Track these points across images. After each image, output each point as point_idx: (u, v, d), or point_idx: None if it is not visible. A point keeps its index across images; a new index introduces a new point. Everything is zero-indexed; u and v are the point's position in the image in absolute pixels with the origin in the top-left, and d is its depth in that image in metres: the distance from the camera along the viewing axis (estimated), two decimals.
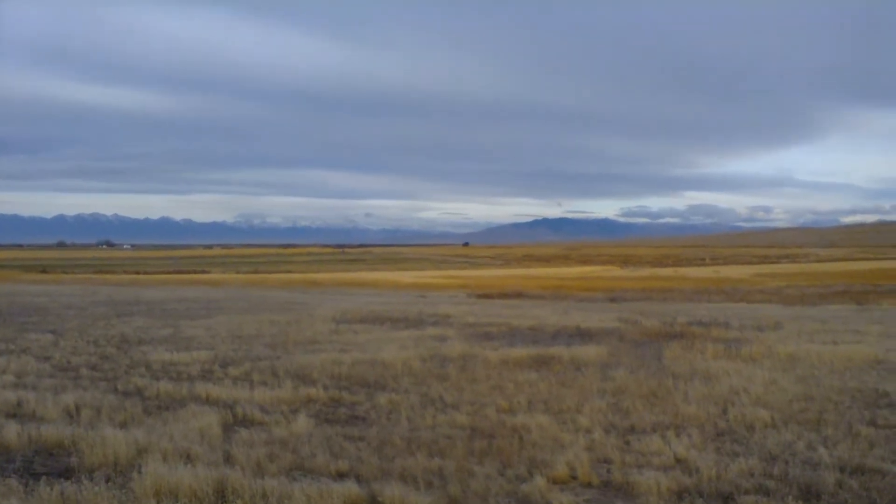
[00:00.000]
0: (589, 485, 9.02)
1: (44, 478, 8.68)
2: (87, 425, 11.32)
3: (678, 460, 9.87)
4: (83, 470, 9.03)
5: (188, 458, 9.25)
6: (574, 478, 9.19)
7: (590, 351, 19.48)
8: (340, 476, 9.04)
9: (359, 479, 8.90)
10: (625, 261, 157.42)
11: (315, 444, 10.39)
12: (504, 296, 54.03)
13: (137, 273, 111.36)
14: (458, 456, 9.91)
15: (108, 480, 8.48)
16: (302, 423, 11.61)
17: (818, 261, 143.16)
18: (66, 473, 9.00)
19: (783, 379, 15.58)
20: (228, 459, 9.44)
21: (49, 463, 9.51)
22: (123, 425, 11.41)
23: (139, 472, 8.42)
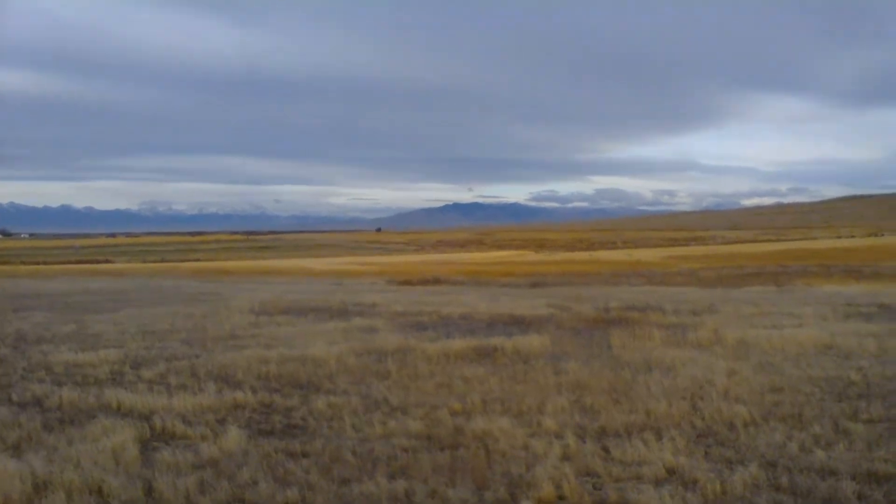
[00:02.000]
0: None
1: None
2: None
3: (670, 471, 8.73)
4: None
5: (100, 496, 7.59)
6: (562, 498, 7.94)
7: (532, 341, 18.33)
8: None
9: None
10: (539, 245, 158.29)
11: (253, 466, 8.82)
12: (424, 282, 52.79)
13: (37, 263, 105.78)
14: (423, 475, 8.53)
15: None
16: (233, 436, 10.00)
17: (725, 243, 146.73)
18: None
19: (743, 368, 14.73)
20: (151, 493, 7.78)
21: None
22: (17, 448, 9.54)
23: None
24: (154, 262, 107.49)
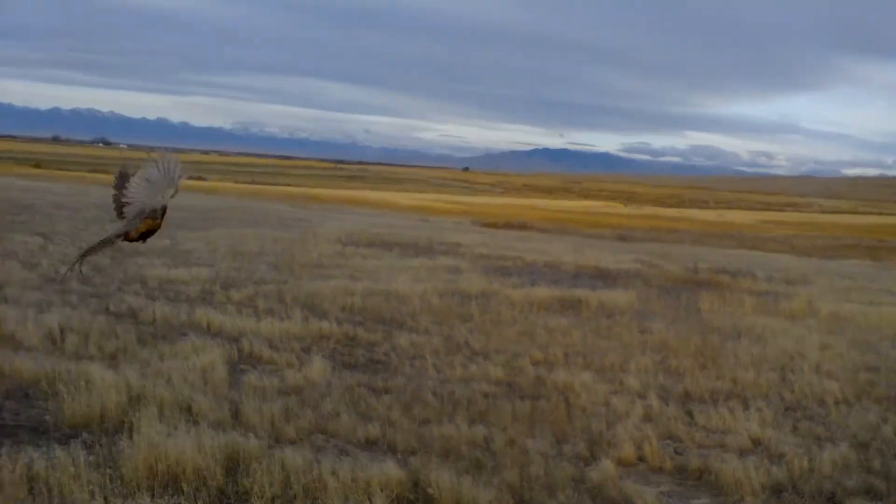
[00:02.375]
0: (661, 470, 7.67)
1: (8, 439, 7.14)
2: (71, 356, 9.78)
3: (755, 442, 8.52)
4: (62, 424, 7.52)
5: (190, 414, 7.76)
6: (642, 460, 7.83)
7: (618, 296, 18.05)
8: (370, 444, 7.65)
9: (393, 450, 7.51)
10: (628, 198, 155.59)
11: (336, 398, 8.92)
12: (509, 226, 52.52)
13: None
14: (502, 423, 8.51)
15: (88, 447, 6.90)
16: (317, 366, 10.13)
17: (822, 211, 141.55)
18: (41, 429, 7.48)
19: (837, 343, 14.19)
20: (238, 416, 7.93)
21: (22, 411, 7.89)
22: (114, 358, 9.83)
23: (130, 438, 6.89)
24: (245, 182, 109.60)
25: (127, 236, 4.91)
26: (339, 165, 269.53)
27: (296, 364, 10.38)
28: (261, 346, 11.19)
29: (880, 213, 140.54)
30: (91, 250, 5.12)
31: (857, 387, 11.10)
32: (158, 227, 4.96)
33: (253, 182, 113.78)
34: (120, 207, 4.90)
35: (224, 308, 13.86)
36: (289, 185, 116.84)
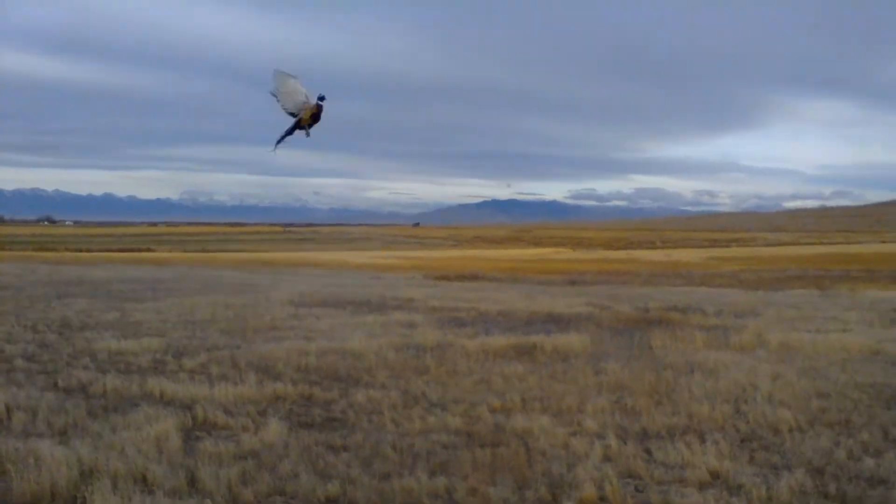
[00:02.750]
0: None
1: None
2: (19, 434, 9.58)
3: (714, 474, 8.60)
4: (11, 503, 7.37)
5: (145, 484, 7.64)
6: (604, 500, 7.85)
7: (571, 339, 18.19)
8: (331, 503, 7.58)
9: None
10: (577, 243, 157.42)
11: (294, 459, 8.84)
12: (462, 278, 52.66)
13: (80, 251, 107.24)
14: (463, 472, 8.49)
15: None
16: (273, 428, 10.03)
17: (767, 245, 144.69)
18: None
19: (787, 372, 14.47)
20: (194, 483, 7.82)
21: None
22: (64, 434, 9.65)
23: None
24: (195, 251, 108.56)
25: (300, 123, 7.80)
26: (288, 229, 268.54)
27: (251, 427, 10.27)
28: (215, 411, 11.05)
29: (822, 243, 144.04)
30: (284, 136, 7.95)
31: (809, 414, 11.30)
32: (318, 109, 7.74)
33: (203, 250, 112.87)
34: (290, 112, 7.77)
35: (176, 377, 13.68)
36: (239, 250, 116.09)
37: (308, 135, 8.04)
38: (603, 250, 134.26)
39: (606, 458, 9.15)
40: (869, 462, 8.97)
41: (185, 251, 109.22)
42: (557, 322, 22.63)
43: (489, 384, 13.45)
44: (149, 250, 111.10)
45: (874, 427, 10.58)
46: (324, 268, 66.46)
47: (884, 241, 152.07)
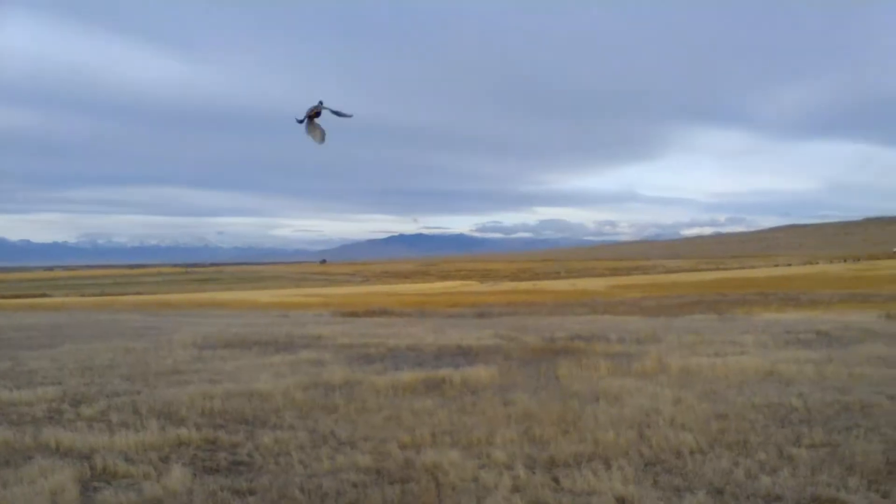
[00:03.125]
0: None
1: None
2: None
3: (620, 500, 8.78)
4: None
5: None
6: None
7: (480, 372, 18.32)
8: None
9: None
10: (484, 275, 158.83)
11: None
12: (370, 314, 52.57)
13: None
14: None
15: None
16: (177, 474, 9.76)
17: (667, 272, 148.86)
18: None
19: (688, 396, 14.90)
20: None
21: None
22: None
23: None
24: (93, 295, 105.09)
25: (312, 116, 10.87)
26: (189, 270, 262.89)
27: (153, 475, 9.95)
28: (115, 460, 10.66)
29: (718, 269, 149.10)
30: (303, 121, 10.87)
31: (709, 436, 11.65)
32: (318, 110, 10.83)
33: (102, 294, 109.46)
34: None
35: (74, 426, 13.15)
36: (140, 293, 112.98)
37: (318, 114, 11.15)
38: (510, 281, 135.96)
39: (515, 489, 9.22)
40: (766, 480, 9.28)
41: (82, 295, 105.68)
42: (466, 355, 22.75)
43: (399, 420, 13.41)
44: (44, 295, 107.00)
45: (770, 446, 10.98)
46: (229, 308, 65.24)
47: (776, 265, 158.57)
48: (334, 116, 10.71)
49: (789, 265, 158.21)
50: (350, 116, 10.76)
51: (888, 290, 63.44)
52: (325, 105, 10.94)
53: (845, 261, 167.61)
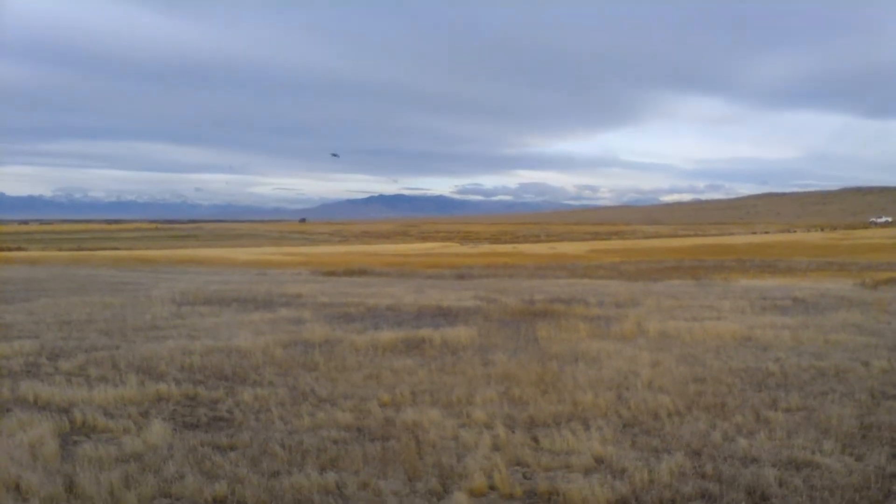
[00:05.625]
0: (511, 496, 7.84)
1: None
2: None
3: (598, 459, 8.85)
4: None
5: (18, 493, 7.28)
6: (493, 488, 7.96)
7: (460, 332, 18.38)
8: (218, 503, 7.41)
9: None
10: (464, 237, 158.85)
11: (179, 460, 8.61)
12: (350, 273, 52.42)
13: None
14: (353, 467, 8.46)
15: None
16: (157, 429, 9.74)
17: (646, 237, 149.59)
18: None
19: (666, 359, 15.03)
20: (72, 489, 7.51)
21: None
22: None
23: None
24: (70, 250, 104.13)
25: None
26: (159, 227, 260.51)
27: (133, 429, 9.94)
28: (94, 414, 10.63)
29: (697, 235, 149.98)
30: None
31: (687, 398, 11.76)
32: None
33: (79, 248, 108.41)
34: None
35: (52, 379, 13.09)
36: (117, 248, 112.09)
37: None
38: (490, 244, 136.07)
39: (495, 448, 9.28)
40: (742, 442, 9.39)
41: (59, 249, 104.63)
42: (446, 315, 22.79)
43: (379, 379, 13.44)
44: (20, 249, 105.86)
45: (747, 409, 11.10)
46: (207, 265, 64.91)
47: (754, 233, 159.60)
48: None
49: (767, 233, 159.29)
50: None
51: (864, 260, 64.03)
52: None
53: (822, 230, 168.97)
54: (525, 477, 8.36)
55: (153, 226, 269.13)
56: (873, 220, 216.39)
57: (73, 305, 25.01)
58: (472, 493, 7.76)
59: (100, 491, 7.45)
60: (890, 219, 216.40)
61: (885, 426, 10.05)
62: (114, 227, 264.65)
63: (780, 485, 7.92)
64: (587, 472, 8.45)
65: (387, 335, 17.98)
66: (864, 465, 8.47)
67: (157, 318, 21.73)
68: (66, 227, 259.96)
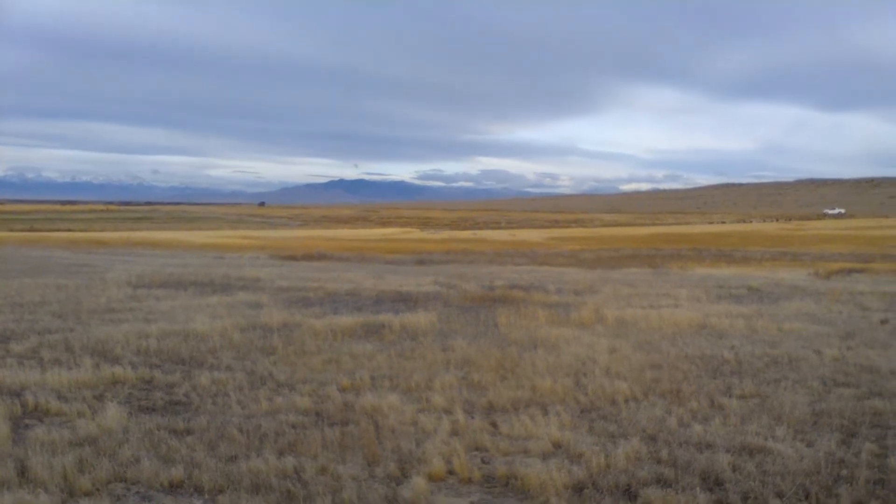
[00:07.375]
0: (470, 481, 7.87)
1: None
2: None
3: (556, 444, 8.92)
4: None
5: None
6: (452, 473, 7.99)
7: (419, 318, 18.37)
8: (175, 487, 7.33)
9: (199, 491, 7.24)
10: (424, 223, 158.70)
11: (134, 444, 8.50)
12: (309, 258, 52.06)
13: None
14: (312, 452, 8.42)
15: None
16: (112, 413, 9.60)
17: (604, 225, 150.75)
18: None
19: (623, 346, 15.19)
20: (24, 473, 7.38)
21: None
22: None
23: None
24: (22, 230, 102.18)
25: None
26: (125, 207, 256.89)
27: (88, 413, 9.80)
28: (47, 398, 10.47)
29: (655, 224, 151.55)
30: None
31: (643, 384, 11.90)
32: None
33: (32, 229, 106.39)
34: None
35: (3, 362, 12.87)
36: (71, 230, 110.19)
37: None
38: (450, 230, 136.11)
39: (454, 433, 9.30)
40: (697, 428, 9.52)
41: (11, 230, 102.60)
42: (406, 301, 22.77)
43: (338, 363, 13.40)
44: None
45: (702, 395, 11.26)
46: (164, 247, 64.07)
47: (710, 223, 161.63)
48: None
49: (724, 223, 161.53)
50: None
51: (817, 250, 65.14)
52: None
53: (778, 220, 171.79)
54: (484, 461, 8.40)
55: (116, 207, 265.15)
56: (827, 211, 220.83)
57: (26, 287, 24.54)
58: (431, 478, 7.77)
59: (52, 475, 7.33)
60: (843, 210, 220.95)
61: (836, 413, 10.25)
62: (68, 207, 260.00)
63: (734, 470, 8.04)
64: (545, 456, 8.51)
65: (346, 320, 17.93)
66: (815, 451, 8.63)
67: (112, 301, 21.42)
68: (18, 207, 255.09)
